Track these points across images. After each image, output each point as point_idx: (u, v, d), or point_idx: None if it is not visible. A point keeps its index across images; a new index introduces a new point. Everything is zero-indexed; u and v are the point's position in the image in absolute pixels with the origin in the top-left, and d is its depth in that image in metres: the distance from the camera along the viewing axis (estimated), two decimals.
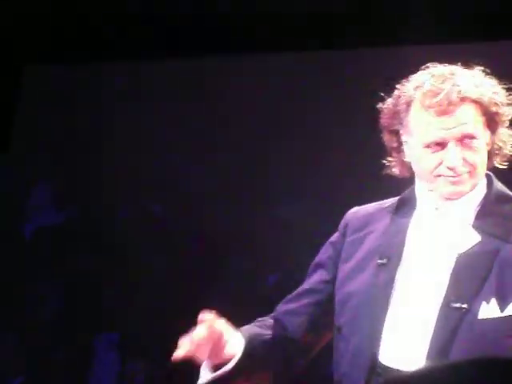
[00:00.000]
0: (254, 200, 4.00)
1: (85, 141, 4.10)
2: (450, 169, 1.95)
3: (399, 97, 2.02)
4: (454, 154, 1.94)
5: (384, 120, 2.06)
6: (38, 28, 3.79)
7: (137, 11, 3.87)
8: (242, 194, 4.01)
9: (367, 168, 2.70)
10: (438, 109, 1.94)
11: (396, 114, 2.02)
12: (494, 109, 1.99)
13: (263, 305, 2.33)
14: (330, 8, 3.81)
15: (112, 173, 4.02)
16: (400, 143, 2.05)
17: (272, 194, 4.02)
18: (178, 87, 4.16)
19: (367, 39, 3.81)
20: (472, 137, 1.97)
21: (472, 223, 1.99)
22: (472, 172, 1.97)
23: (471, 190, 2.00)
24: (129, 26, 3.84)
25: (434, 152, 1.95)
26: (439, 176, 1.97)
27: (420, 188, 2.04)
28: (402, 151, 2.05)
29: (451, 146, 1.94)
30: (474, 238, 1.96)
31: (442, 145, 1.95)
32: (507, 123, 2.05)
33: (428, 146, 1.96)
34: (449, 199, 1.99)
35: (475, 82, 1.99)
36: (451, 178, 1.96)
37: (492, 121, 1.99)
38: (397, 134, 2.05)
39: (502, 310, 1.87)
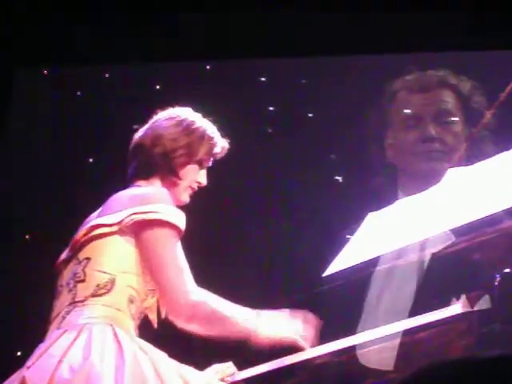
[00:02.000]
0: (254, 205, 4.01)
1: (82, 143, 4.10)
2: (424, 141, 1.98)
3: (384, 96, 2.07)
4: (428, 128, 1.97)
5: (370, 127, 2.10)
6: (33, 28, 3.79)
7: (137, 10, 3.87)
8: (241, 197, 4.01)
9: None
10: (417, 88, 2.00)
11: (381, 113, 2.06)
12: (474, 105, 2.02)
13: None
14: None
15: (112, 174, 4.02)
16: (383, 149, 2.08)
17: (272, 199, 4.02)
18: (178, 88, 4.16)
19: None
20: (449, 115, 2.00)
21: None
22: (447, 152, 1.99)
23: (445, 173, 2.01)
24: (129, 26, 3.84)
25: (411, 130, 1.99)
26: (416, 154, 2.00)
27: (401, 193, 2.06)
28: (385, 157, 2.08)
29: (427, 121, 1.98)
30: (448, 239, 1.98)
31: (419, 120, 1.99)
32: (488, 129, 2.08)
33: (407, 126, 2.00)
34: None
35: (459, 76, 2.05)
36: (426, 154, 1.99)
37: (473, 119, 2.03)
38: (382, 140, 2.08)
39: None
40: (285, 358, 2.23)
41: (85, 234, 2.22)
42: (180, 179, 2.31)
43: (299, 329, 2.21)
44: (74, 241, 2.25)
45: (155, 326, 2.25)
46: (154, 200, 2.20)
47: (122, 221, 2.17)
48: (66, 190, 4.13)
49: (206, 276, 2.32)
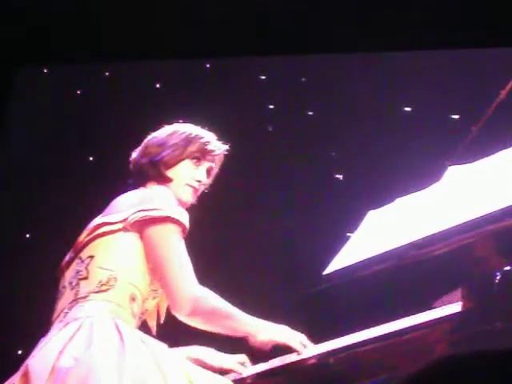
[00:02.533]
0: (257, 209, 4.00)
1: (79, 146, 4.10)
2: None
3: None
4: None
5: None
6: (33, 27, 3.79)
7: (138, 8, 3.87)
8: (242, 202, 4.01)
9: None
10: None
11: None
12: None
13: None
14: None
15: (112, 172, 4.02)
16: None
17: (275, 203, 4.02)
18: (178, 87, 4.15)
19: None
20: None
21: None
22: None
23: None
24: (130, 26, 3.84)
25: None
26: None
27: None
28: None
29: None
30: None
31: None
32: None
33: None
34: None
35: None
36: None
37: None
38: None
39: None
40: (283, 357, 2.24)
41: (88, 234, 2.22)
42: (170, 179, 2.32)
43: (297, 336, 2.23)
44: (77, 242, 2.26)
45: (154, 332, 2.26)
46: (159, 199, 2.21)
47: (126, 218, 2.18)
48: (66, 188, 4.13)
49: (206, 275, 2.32)
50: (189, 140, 2.35)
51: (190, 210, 2.37)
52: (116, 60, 4.02)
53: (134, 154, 2.41)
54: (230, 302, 2.31)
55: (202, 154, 2.35)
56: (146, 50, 3.91)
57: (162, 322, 2.26)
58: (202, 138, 2.37)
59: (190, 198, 2.34)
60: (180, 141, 2.35)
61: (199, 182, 2.35)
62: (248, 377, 2.27)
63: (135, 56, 3.96)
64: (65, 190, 4.05)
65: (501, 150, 2.41)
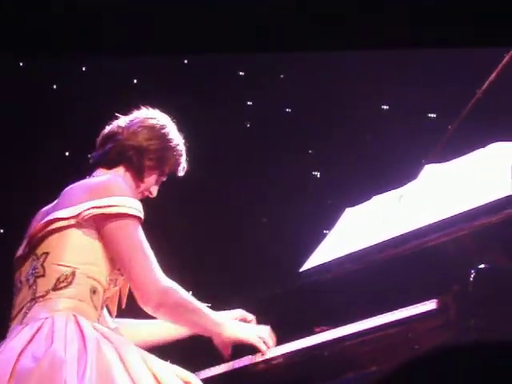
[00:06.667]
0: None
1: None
2: None
3: None
4: None
5: None
6: (8, 20, 3.77)
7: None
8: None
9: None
10: None
11: None
12: None
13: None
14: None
15: (89, 167, 3.99)
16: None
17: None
18: (156, 82, 4.14)
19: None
20: None
21: None
22: None
23: None
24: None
25: None
26: None
27: None
28: None
29: None
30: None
31: None
32: None
33: None
34: None
35: None
36: None
37: None
38: None
39: None
40: (269, 349, 2.24)
41: (41, 229, 2.21)
42: (142, 182, 2.32)
43: (260, 331, 2.25)
44: (30, 236, 2.24)
45: (113, 316, 2.26)
46: (111, 192, 2.19)
47: (79, 214, 2.17)
48: (40, 184, 4.10)
49: (176, 271, 2.32)
50: (172, 153, 2.33)
51: (167, 206, 2.36)
52: (93, 54, 4.00)
53: (117, 125, 2.33)
54: (201, 299, 2.31)
55: (168, 172, 2.35)
56: (123, 44, 3.89)
57: (123, 306, 2.27)
58: (181, 156, 2.36)
59: None
60: (167, 150, 2.32)
61: (150, 193, 2.35)
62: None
63: (112, 51, 3.94)
64: (39, 186, 4.02)
65: (477, 148, 2.42)
